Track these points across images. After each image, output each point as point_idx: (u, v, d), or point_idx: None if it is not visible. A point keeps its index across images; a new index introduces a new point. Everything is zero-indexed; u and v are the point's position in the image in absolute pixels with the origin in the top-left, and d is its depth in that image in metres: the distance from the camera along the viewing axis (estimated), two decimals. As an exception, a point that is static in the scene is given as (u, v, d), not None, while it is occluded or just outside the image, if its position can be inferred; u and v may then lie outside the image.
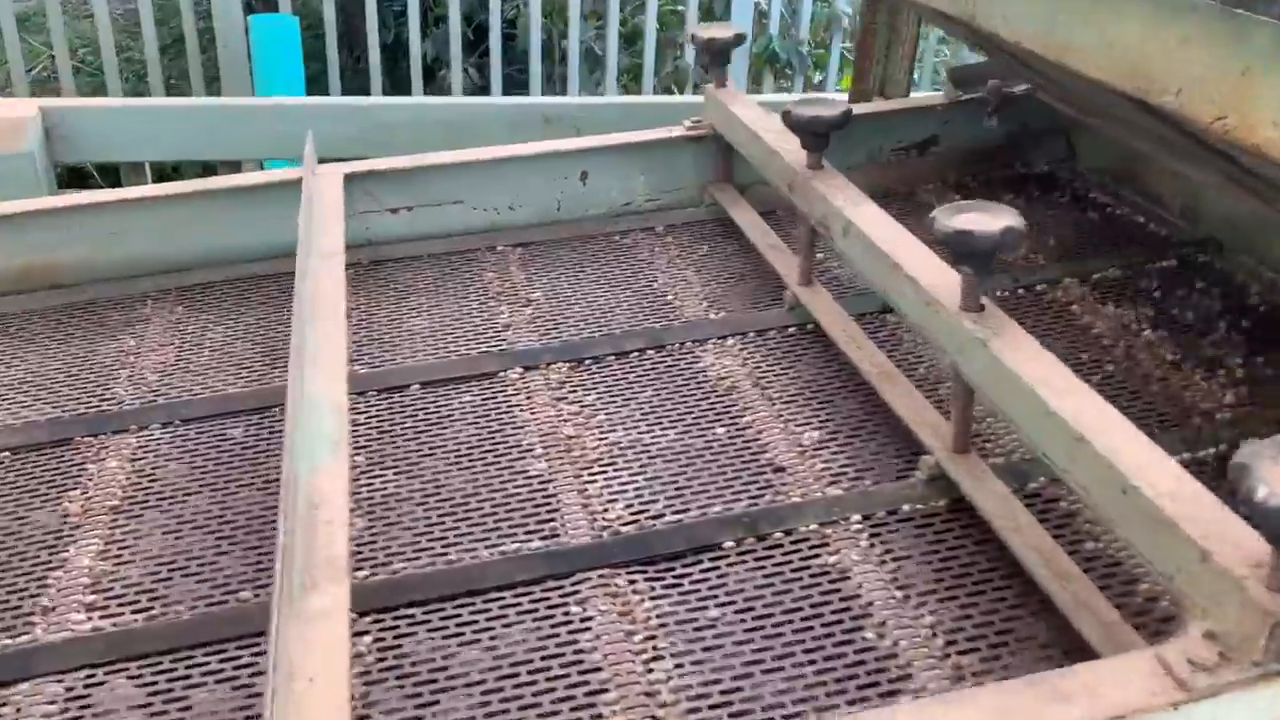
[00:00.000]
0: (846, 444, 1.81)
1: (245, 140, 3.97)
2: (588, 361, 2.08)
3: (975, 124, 2.75)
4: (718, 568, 1.57)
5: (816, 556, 1.58)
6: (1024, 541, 1.47)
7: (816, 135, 2.00)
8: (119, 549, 1.65)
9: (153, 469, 1.83)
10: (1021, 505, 1.55)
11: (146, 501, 1.75)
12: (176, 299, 2.37)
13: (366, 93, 5.16)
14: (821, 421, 1.87)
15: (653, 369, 2.06)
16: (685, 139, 2.59)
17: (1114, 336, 2.09)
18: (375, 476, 1.77)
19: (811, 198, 1.99)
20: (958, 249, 1.47)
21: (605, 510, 1.69)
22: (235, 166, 4.15)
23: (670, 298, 2.31)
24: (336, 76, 5.31)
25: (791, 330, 2.15)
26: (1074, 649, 1.38)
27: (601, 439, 1.85)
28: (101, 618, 1.52)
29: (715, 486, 1.73)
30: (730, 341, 2.12)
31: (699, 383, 2.00)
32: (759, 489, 1.73)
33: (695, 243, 2.53)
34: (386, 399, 1.98)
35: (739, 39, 2.49)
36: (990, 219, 1.47)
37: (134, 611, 1.53)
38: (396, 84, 5.49)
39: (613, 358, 2.09)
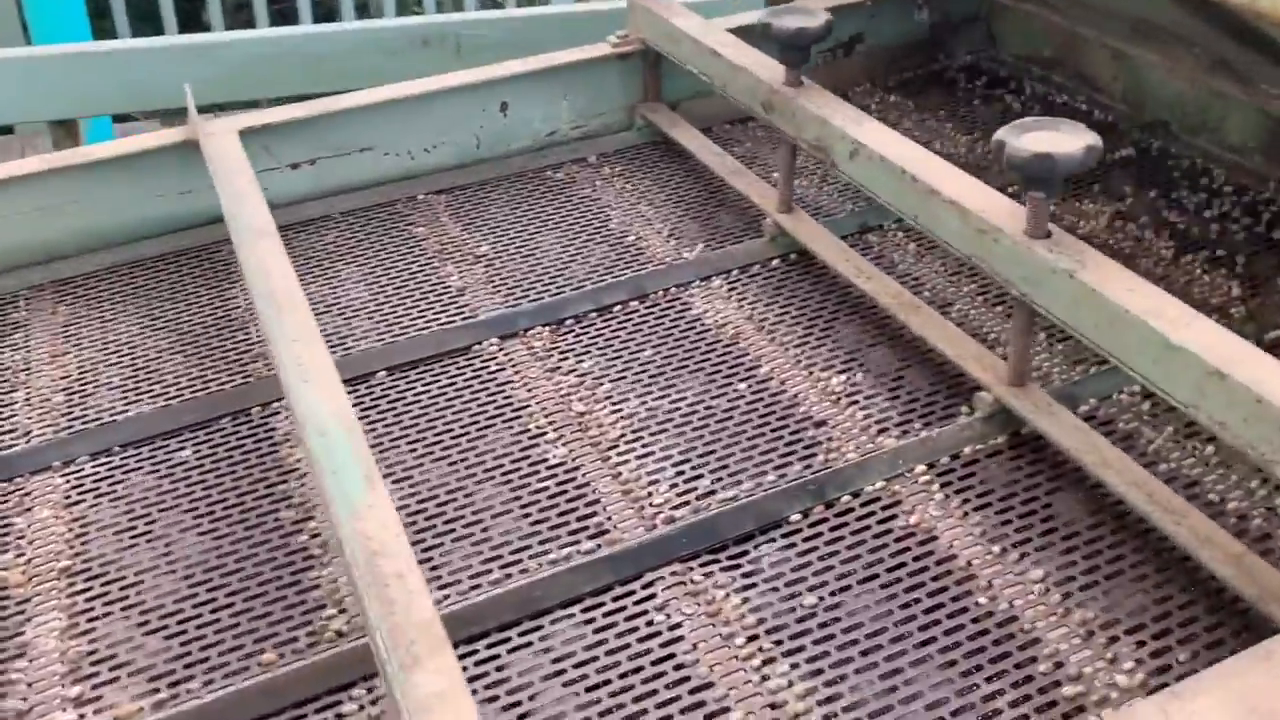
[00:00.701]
0: (879, 386, 1.69)
1: (46, 97, 3.38)
2: (569, 322, 1.88)
3: (899, 18, 2.63)
4: (794, 544, 1.43)
5: (894, 518, 1.46)
6: (1121, 478, 1.39)
7: (798, 49, 1.82)
8: (89, 620, 1.38)
9: (98, 513, 1.53)
10: (1104, 438, 1.47)
11: (106, 555, 1.47)
12: (54, 296, 2.01)
13: (160, 33, 4.57)
14: (845, 364, 1.75)
15: (643, 323, 1.87)
16: (612, 57, 2.36)
17: (1102, 236, 2.04)
18: (376, 490, 1.54)
19: (801, 118, 1.83)
20: (1035, 173, 1.35)
21: (649, 495, 1.52)
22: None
23: (632, 238, 2.11)
24: (124, 13, 4.67)
25: (777, 263, 2.00)
26: (1196, 584, 1.33)
27: (615, 411, 1.67)
28: (97, 714, 1.26)
29: (758, 452, 1.59)
30: (716, 282, 1.96)
31: (699, 333, 1.83)
32: (806, 449, 1.59)
33: (638, 172, 2.33)
34: (351, 392, 1.72)
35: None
36: (1065, 138, 1.35)
37: (137, 698, 1.27)
38: (191, 19, 4.89)
39: (594, 314, 1.89)
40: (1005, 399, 1.55)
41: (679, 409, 1.67)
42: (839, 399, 1.67)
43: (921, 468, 1.53)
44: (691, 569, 1.40)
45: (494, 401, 1.70)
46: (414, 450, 1.61)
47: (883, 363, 1.74)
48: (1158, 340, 1.26)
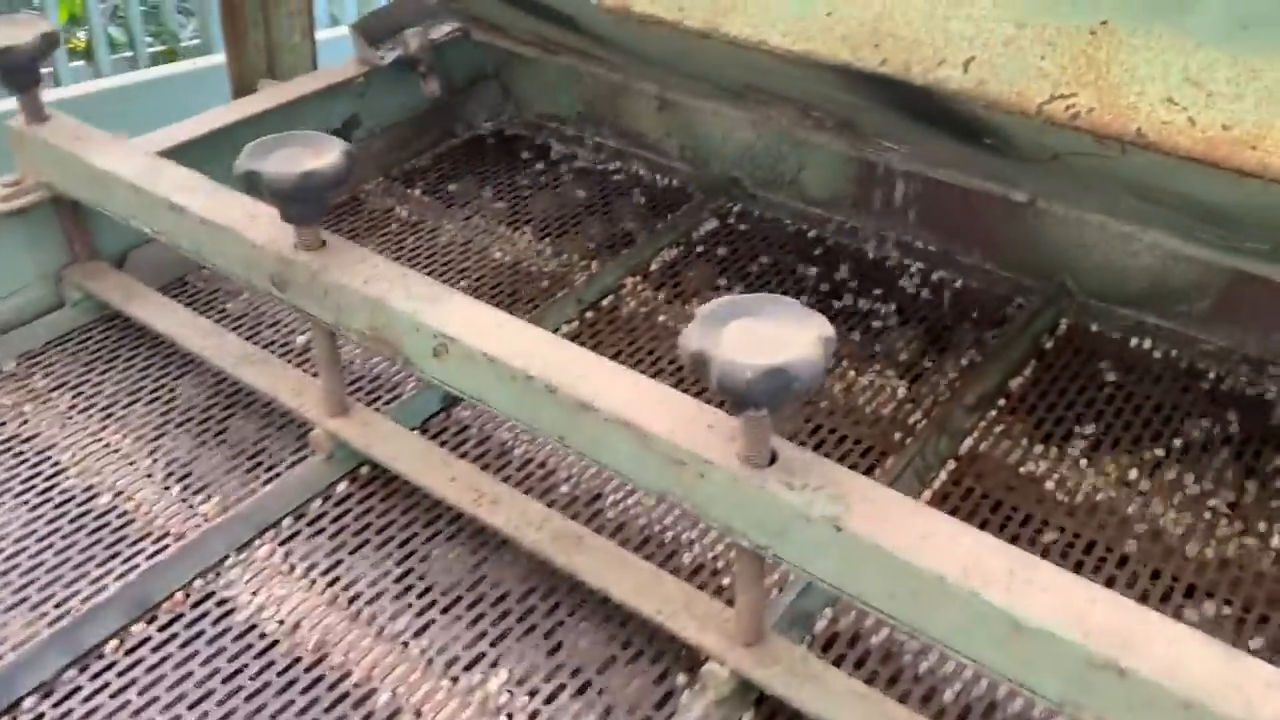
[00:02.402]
0: (553, 671, 1.17)
1: None
2: None
3: (397, 90, 2.08)
4: None
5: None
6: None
7: (308, 203, 1.21)
8: None
9: None
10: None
11: None
12: None
13: None
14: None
15: (152, 681, 1.18)
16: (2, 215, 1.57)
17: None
18: None
19: (339, 300, 1.22)
20: (760, 395, 0.87)
21: None
22: None
23: (105, 500, 1.38)
24: None
25: (345, 489, 1.38)
26: None
27: None
28: None
29: None
30: (263, 550, 1.30)
31: (267, 668, 1.18)
32: None
33: (87, 379, 1.57)
34: None
35: (48, 44, 1.50)
36: (780, 330, 0.90)
37: None
38: None
39: (49, 701, 1.17)
40: (741, 667, 1.08)
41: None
42: None
43: None
44: None
45: None
46: None
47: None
48: (996, 616, 0.85)
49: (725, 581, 1.26)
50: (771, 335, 0.90)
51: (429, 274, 1.79)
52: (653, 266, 1.82)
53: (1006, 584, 0.86)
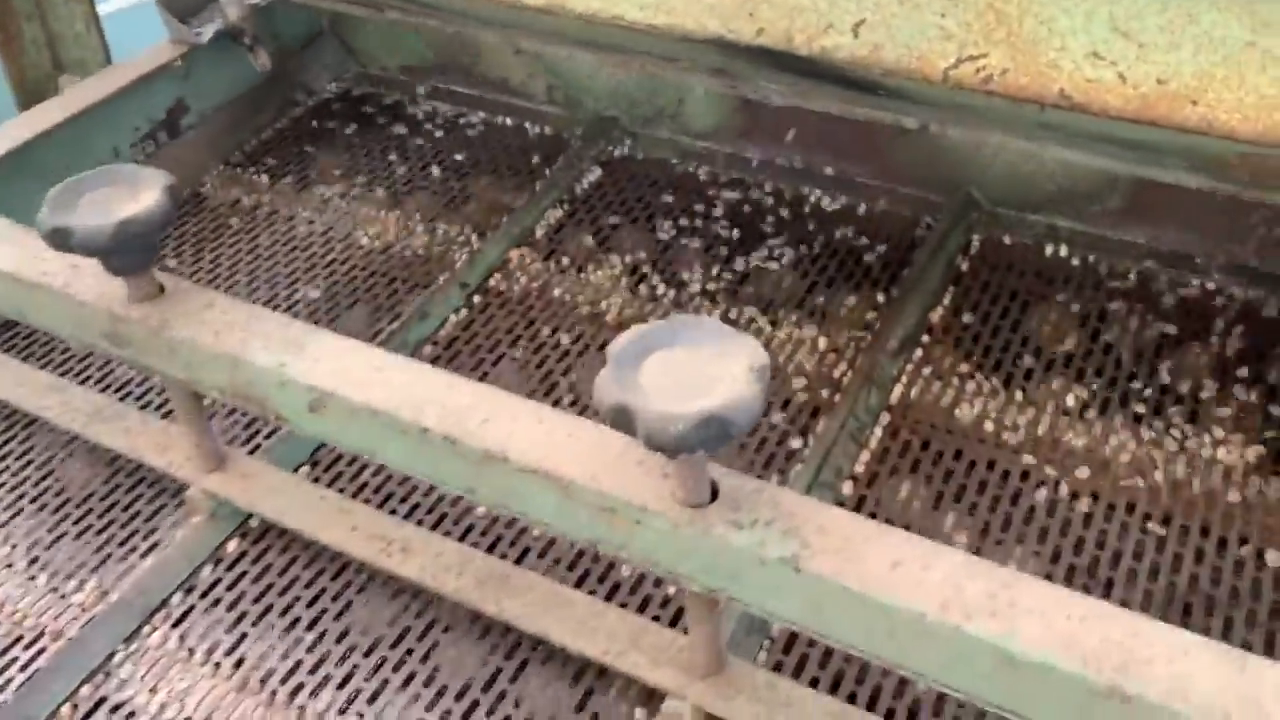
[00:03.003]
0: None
1: None
2: None
3: (224, 66, 1.85)
4: None
5: None
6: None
7: (137, 253, 1.04)
8: None
9: None
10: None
11: None
12: None
13: None
14: None
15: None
16: None
17: (622, 297, 1.54)
18: None
19: (188, 358, 1.06)
20: (697, 441, 0.76)
21: None
22: None
23: (-37, 601, 1.21)
24: None
25: (234, 549, 1.24)
26: None
27: None
28: None
29: None
30: (154, 638, 1.16)
31: (169, 768, 1.06)
32: None
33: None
34: None
35: None
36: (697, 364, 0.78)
37: None
38: None
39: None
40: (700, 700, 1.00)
41: None
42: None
43: None
44: None
45: None
46: None
47: None
48: (984, 651, 0.77)
49: (672, 591, 1.17)
50: (696, 370, 0.79)
51: (290, 275, 1.63)
52: (538, 233, 1.67)
53: (990, 610, 0.78)
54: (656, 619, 1.13)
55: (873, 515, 1.24)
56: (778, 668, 1.09)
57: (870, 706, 1.06)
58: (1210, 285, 1.50)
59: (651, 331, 0.81)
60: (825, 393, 1.39)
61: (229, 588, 1.21)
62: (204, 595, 1.20)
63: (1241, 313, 1.46)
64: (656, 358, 0.80)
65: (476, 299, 1.57)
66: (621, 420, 0.77)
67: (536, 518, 0.93)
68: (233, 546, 1.24)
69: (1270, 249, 1.49)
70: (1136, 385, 1.37)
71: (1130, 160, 1.38)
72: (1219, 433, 1.30)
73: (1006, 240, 1.60)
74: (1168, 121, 0.82)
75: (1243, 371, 1.37)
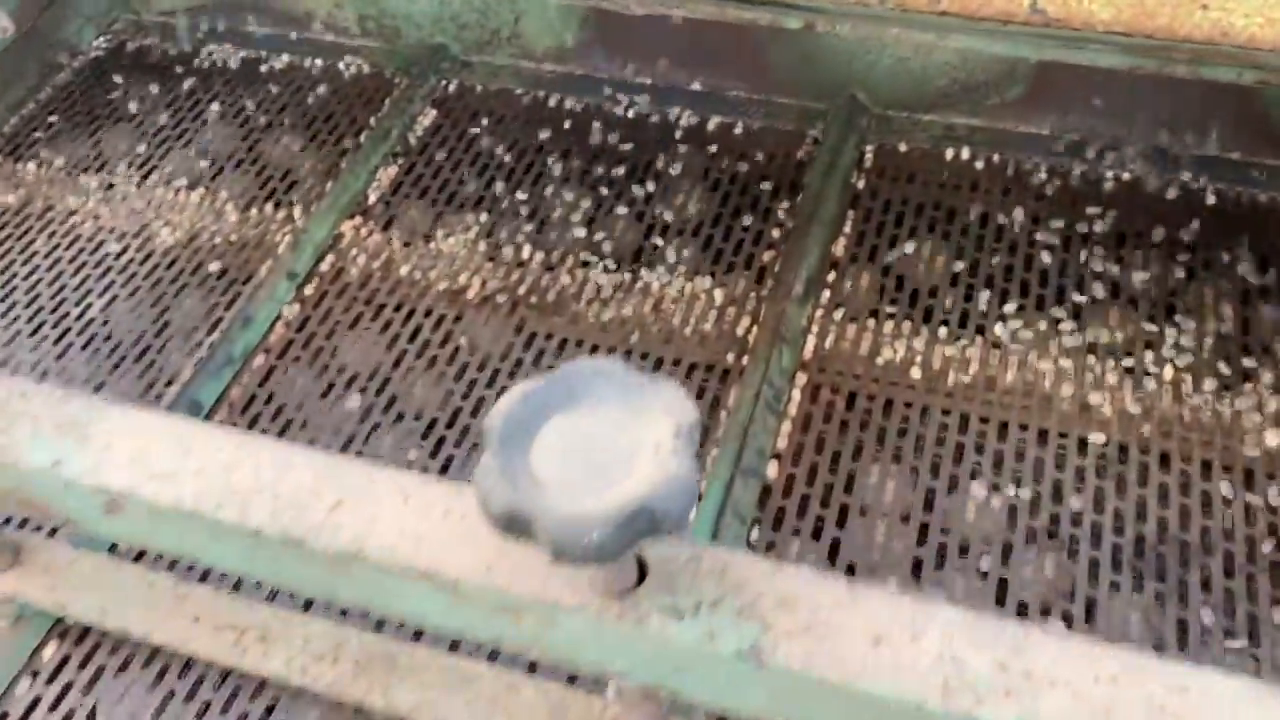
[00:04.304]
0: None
1: None
2: None
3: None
4: None
5: None
6: None
7: None
8: None
9: None
10: None
11: None
12: None
13: None
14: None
15: None
16: None
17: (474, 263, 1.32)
18: None
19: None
20: (635, 533, 0.58)
21: None
22: None
23: None
24: None
25: (51, 661, 1.01)
26: None
27: None
28: None
29: None
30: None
31: None
32: None
33: None
34: None
35: None
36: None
37: None
38: None
39: None
40: None
41: None
42: None
43: None
44: None
45: None
46: None
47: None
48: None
49: (588, 629, 0.99)
50: (605, 441, 0.60)
51: (80, 287, 1.35)
52: (371, 199, 1.43)
53: (1003, 688, 0.62)
54: (574, 680, 0.96)
55: (805, 496, 1.09)
56: None
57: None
58: (1128, 174, 1.37)
59: (538, 391, 0.61)
60: (731, 356, 1.22)
61: (52, 707, 0.99)
62: (21, 721, 0.98)
63: (1174, 199, 1.33)
64: (551, 430, 0.60)
65: (308, 290, 1.33)
66: (516, 529, 0.58)
67: (419, 621, 0.74)
68: (49, 653, 1.02)
69: (1186, 129, 1.36)
70: (1068, 298, 1.23)
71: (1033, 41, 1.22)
72: (1168, 348, 1.18)
73: (902, 148, 1.43)
74: (1169, 33, 0.65)
75: (1181, 266, 1.26)
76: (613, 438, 0.60)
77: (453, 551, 0.70)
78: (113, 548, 1.08)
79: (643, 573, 0.68)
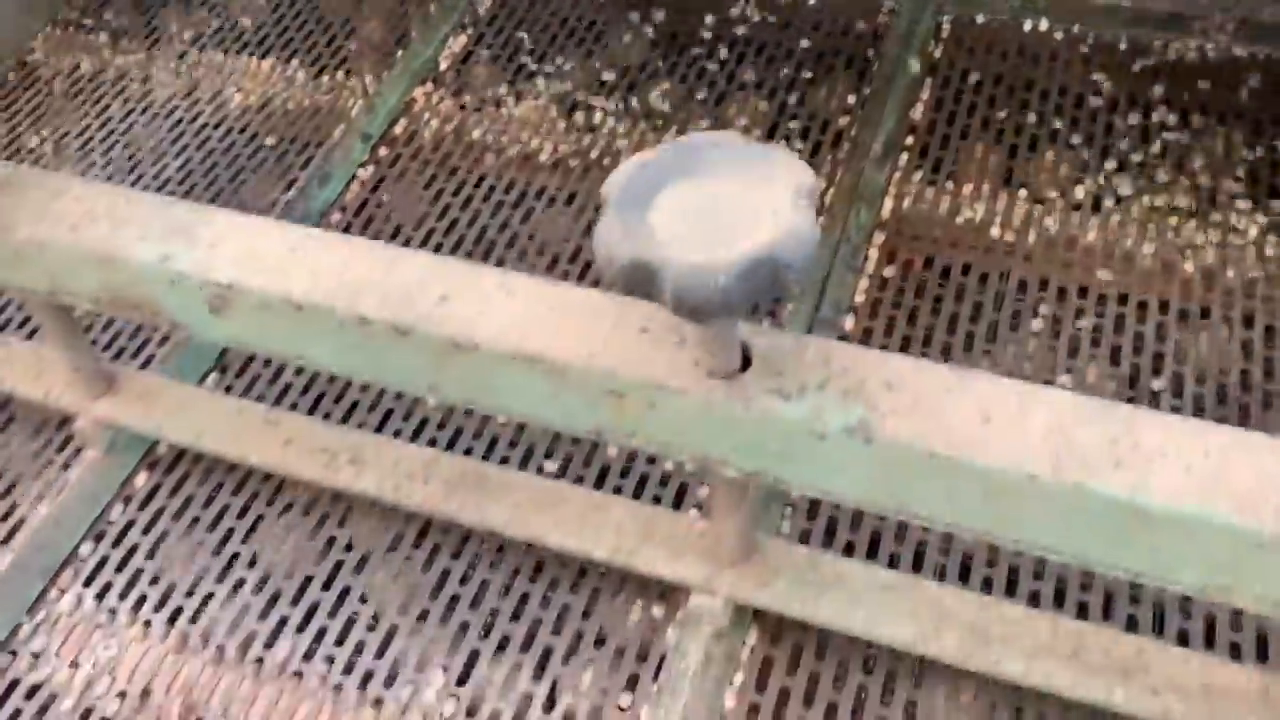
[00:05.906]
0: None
1: None
2: None
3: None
4: None
5: None
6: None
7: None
8: None
9: None
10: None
11: None
12: None
13: None
14: None
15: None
16: None
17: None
18: None
19: (44, 261, 0.83)
20: (743, 296, 0.58)
21: None
22: None
23: None
24: None
25: (145, 487, 1.04)
26: None
27: None
28: None
29: None
30: (67, 601, 0.97)
31: None
32: None
33: None
34: None
35: None
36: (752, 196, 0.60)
37: None
38: None
39: None
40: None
41: None
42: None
43: None
44: None
45: None
46: None
47: None
48: (1113, 511, 0.62)
49: (670, 465, 1.01)
50: (727, 203, 0.60)
51: (155, 149, 1.37)
52: (442, 66, 1.43)
53: (1113, 460, 0.63)
54: (658, 500, 0.97)
55: (882, 348, 1.09)
56: (804, 538, 0.95)
57: (915, 568, 0.93)
58: (1210, 47, 1.34)
59: (655, 160, 0.62)
60: (806, 215, 1.21)
61: (145, 530, 1.01)
62: (116, 543, 1.01)
63: (1249, 73, 1.31)
64: (668, 195, 0.61)
65: (382, 151, 1.33)
66: (639, 280, 0.59)
67: (521, 411, 0.75)
68: (142, 480, 1.04)
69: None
70: (1149, 164, 1.22)
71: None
72: (1243, 207, 1.17)
73: (980, 20, 1.41)
74: None
75: (1259, 142, 1.24)
76: (731, 200, 0.60)
77: (558, 338, 0.71)
78: (202, 379, 1.10)
79: (747, 360, 0.69)
